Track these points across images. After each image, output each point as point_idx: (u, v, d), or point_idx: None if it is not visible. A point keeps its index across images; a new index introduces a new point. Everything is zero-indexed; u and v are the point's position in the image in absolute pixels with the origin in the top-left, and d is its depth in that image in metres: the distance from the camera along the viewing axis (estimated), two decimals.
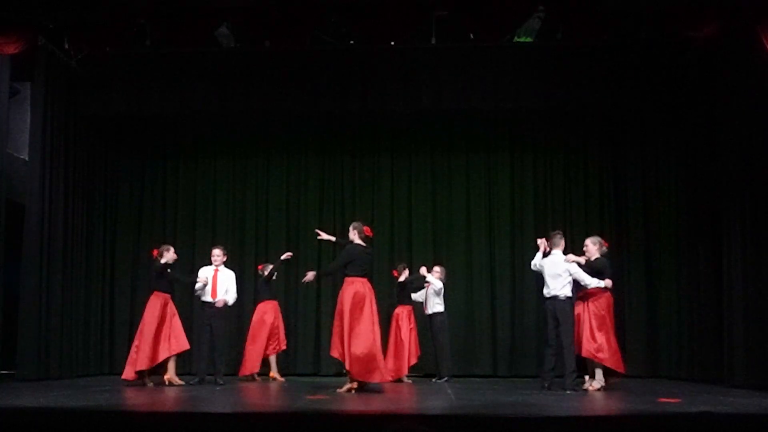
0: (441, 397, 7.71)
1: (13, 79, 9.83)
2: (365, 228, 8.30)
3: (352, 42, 9.96)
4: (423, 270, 9.97)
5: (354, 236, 8.21)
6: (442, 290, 9.95)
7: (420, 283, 10.07)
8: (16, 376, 9.32)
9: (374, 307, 8.03)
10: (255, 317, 10.04)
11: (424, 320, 10.14)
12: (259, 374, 9.99)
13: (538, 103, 10.07)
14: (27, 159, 9.93)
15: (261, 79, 10.06)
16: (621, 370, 8.42)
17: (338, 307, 8.01)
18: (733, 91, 8.88)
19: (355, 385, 7.96)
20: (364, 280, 8.08)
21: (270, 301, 10.07)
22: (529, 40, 9.82)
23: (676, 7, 8.77)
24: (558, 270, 8.37)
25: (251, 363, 9.91)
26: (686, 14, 8.71)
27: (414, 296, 10.16)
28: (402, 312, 9.96)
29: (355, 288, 7.93)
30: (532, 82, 9.87)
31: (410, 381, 9.80)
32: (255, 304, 10.20)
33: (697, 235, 9.84)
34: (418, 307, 10.17)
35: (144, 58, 10.03)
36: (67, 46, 9.78)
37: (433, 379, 9.93)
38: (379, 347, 8.02)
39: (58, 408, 6.45)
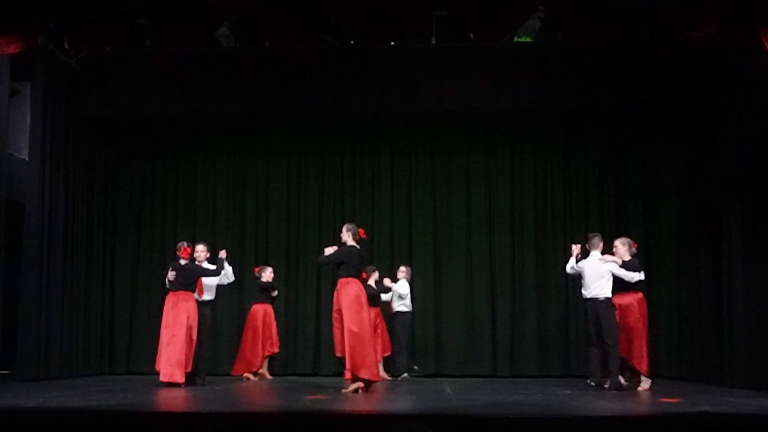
0: (441, 397, 7.71)
1: (13, 79, 9.83)
2: (360, 230, 8.37)
3: (352, 42, 9.96)
4: (387, 281, 10.07)
5: (348, 238, 8.27)
6: (408, 296, 10.14)
7: (385, 290, 10.13)
8: (16, 376, 9.31)
9: (368, 306, 8.21)
10: (248, 318, 10.15)
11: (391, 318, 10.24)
12: (254, 374, 10.03)
13: (538, 103, 10.06)
14: (27, 159, 9.93)
15: (261, 79, 10.06)
16: (644, 371, 8.53)
17: (335, 307, 8.13)
18: (733, 91, 8.87)
19: (361, 384, 7.97)
20: (358, 280, 8.24)
21: (263, 304, 10.14)
22: (529, 40, 9.82)
23: (676, 7, 8.76)
24: (601, 271, 8.40)
25: (243, 363, 10.00)
26: (686, 14, 8.70)
27: (384, 297, 10.19)
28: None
29: (351, 288, 8.06)
30: (532, 82, 9.86)
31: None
32: (250, 306, 10.28)
33: (697, 235, 9.84)
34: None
35: (144, 58, 10.02)
36: (67, 46, 9.75)
37: (394, 377, 9.89)
38: (373, 345, 8.22)
39: (58, 408, 6.46)
